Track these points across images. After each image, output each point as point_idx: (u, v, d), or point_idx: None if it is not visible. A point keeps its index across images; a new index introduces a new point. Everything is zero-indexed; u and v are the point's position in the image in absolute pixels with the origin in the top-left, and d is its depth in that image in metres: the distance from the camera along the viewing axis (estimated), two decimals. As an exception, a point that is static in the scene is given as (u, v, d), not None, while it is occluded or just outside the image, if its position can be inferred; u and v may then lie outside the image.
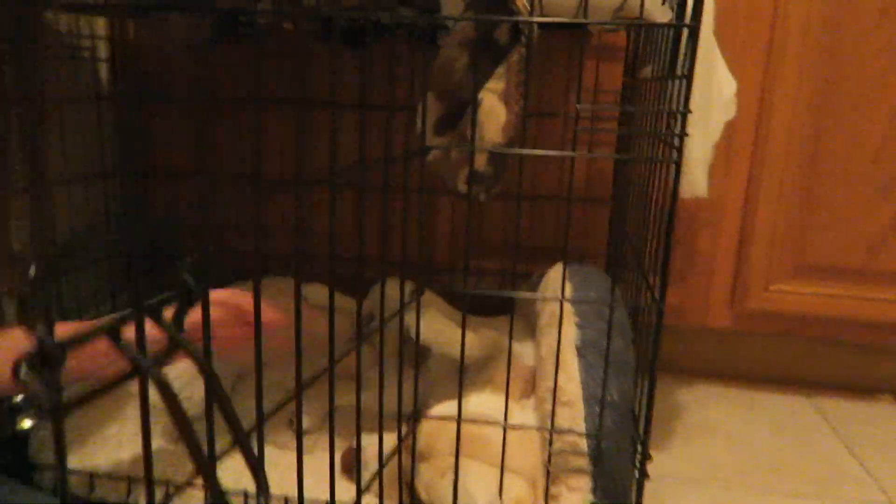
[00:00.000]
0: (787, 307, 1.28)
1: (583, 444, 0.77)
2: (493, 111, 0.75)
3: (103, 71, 1.39)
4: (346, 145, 1.36)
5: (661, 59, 0.88)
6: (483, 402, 0.90)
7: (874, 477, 1.08)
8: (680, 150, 0.70)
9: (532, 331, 1.10)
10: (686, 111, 0.68)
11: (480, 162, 0.77)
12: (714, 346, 1.40)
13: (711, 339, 1.40)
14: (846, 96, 1.21)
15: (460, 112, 0.79)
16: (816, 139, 1.23)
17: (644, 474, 0.76)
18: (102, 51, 1.39)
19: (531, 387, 0.98)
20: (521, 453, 0.83)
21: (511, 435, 0.81)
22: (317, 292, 1.26)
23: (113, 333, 0.33)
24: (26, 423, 0.96)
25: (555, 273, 0.96)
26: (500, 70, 0.76)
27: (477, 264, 1.37)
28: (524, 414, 0.91)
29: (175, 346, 0.38)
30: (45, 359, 0.28)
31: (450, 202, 1.36)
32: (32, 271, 0.28)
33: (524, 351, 1.09)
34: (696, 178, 0.97)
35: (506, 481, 0.80)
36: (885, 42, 1.19)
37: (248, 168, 1.40)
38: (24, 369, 0.28)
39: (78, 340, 0.30)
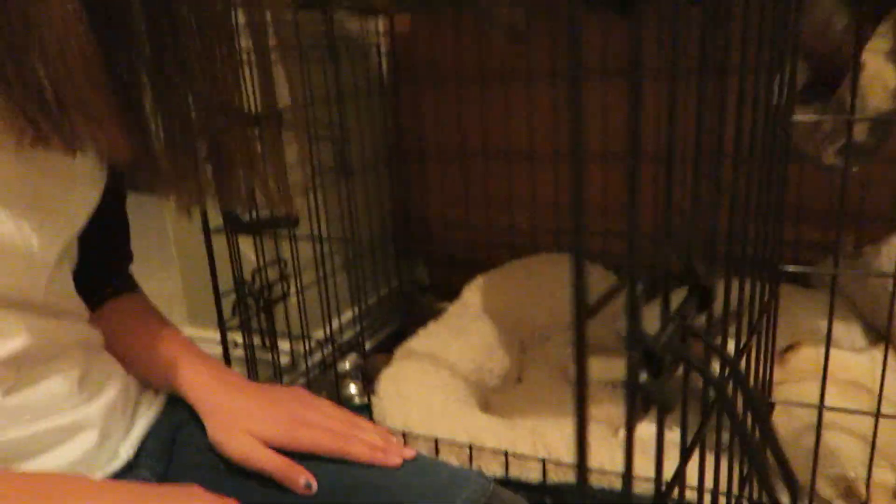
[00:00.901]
0: None
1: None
2: (880, 75, 0.68)
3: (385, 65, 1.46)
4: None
5: None
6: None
7: None
8: None
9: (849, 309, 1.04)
10: None
11: (861, 132, 0.70)
12: None
13: None
14: None
15: (834, 78, 0.73)
16: None
17: None
18: (383, 46, 1.46)
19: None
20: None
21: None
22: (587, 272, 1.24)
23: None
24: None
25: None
26: (884, 27, 0.69)
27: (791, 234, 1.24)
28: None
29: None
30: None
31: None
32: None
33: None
34: None
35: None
36: None
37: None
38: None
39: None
